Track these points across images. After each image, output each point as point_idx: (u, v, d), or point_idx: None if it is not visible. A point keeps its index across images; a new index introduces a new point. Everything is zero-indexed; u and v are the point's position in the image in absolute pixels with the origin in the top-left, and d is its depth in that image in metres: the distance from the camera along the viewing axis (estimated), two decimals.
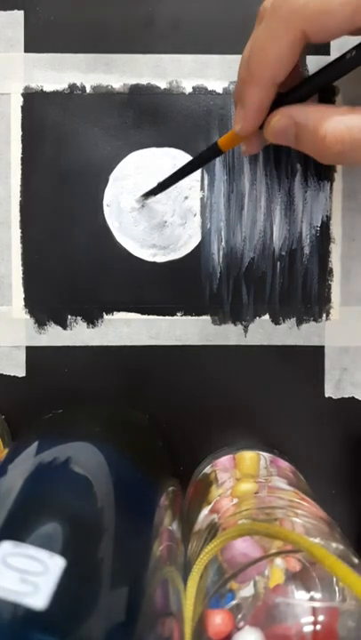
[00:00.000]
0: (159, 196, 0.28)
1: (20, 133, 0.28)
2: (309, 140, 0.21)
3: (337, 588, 0.16)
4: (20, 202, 0.28)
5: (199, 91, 0.28)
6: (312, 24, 0.19)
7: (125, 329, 0.29)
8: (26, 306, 0.29)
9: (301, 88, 0.22)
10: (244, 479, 0.25)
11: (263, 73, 0.20)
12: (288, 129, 0.22)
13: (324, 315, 0.29)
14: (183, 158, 0.28)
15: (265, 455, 0.27)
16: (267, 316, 0.29)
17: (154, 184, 0.27)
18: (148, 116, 0.28)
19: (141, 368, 0.29)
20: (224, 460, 0.27)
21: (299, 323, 0.29)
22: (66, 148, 0.28)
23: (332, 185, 0.28)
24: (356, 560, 0.18)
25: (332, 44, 0.27)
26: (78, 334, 0.29)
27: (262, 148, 0.25)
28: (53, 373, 0.29)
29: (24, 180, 0.28)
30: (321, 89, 0.22)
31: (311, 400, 0.29)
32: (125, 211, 0.28)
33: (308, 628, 0.15)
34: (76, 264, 0.29)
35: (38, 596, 0.13)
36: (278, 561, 0.18)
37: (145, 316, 0.29)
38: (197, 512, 0.24)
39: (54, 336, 0.29)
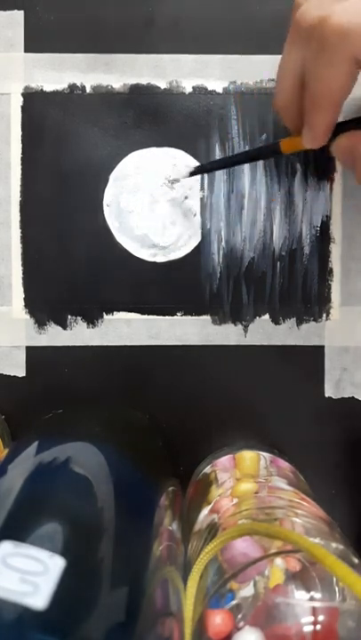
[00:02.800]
0: (159, 196, 0.28)
1: (20, 133, 0.28)
2: None
3: (337, 588, 0.16)
4: (20, 202, 0.28)
5: (199, 91, 0.28)
6: None
7: (125, 329, 0.29)
8: (26, 306, 0.29)
9: None
10: (244, 479, 0.25)
11: (328, 100, 0.21)
12: (350, 153, 0.22)
13: (324, 315, 0.29)
14: (183, 158, 0.28)
15: (265, 455, 0.27)
16: (267, 316, 0.29)
17: (154, 184, 0.27)
18: (148, 116, 0.28)
19: (141, 368, 0.29)
20: (224, 460, 0.27)
21: (299, 323, 0.29)
22: (66, 148, 0.28)
23: (331, 185, 0.28)
24: (356, 560, 0.18)
25: None
26: (78, 334, 0.29)
27: None
28: (53, 373, 0.29)
29: (24, 180, 0.28)
30: None
31: (311, 400, 0.29)
32: (125, 211, 0.28)
33: (308, 628, 0.15)
34: (76, 264, 0.29)
35: (38, 595, 0.13)
36: (278, 561, 0.18)
37: (145, 316, 0.29)
38: (197, 512, 0.24)
39: (54, 336, 0.29)
